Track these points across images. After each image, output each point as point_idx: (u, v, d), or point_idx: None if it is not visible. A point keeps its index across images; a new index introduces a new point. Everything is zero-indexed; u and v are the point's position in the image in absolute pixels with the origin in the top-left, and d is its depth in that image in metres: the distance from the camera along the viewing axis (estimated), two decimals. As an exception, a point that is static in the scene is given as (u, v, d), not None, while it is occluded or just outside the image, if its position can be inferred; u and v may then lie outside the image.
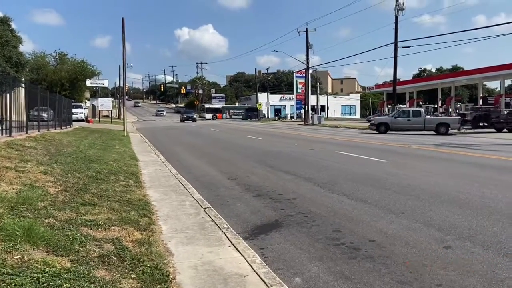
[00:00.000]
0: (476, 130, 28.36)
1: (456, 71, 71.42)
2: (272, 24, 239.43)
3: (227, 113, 75.36)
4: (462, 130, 28.48)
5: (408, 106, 55.52)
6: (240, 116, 73.98)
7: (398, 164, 11.76)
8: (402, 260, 4.30)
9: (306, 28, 49.85)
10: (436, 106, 56.20)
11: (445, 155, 14.25)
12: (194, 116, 59.46)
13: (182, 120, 56.99)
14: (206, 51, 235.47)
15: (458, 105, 51.29)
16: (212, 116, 72.97)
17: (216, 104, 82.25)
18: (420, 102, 60.14)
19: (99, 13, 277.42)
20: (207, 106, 78.53)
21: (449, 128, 26.63)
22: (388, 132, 27.93)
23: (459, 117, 28.81)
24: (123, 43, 26.88)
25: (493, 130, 28.03)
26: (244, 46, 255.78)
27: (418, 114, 27.95)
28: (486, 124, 27.74)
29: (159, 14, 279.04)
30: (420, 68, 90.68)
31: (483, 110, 31.56)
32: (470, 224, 5.50)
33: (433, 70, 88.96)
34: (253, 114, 73.51)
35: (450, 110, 41.05)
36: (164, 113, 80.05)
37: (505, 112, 28.88)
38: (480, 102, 47.52)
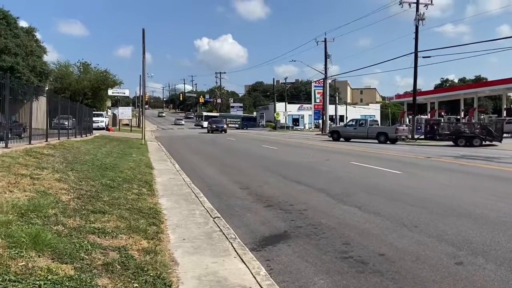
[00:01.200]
0: (419, 142, 29.49)
1: (479, 81, 70.04)
2: (291, 34, 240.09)
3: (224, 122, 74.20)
4: (407, 140, 30.46)
5: (429, 117, 54.77)
6: (237, 125, 72.35)
7: (414, 176, 11.55)
8: (411, 275, 4.19)
9: (325, 38, 49.78)
10: (459, 117, 55.20)
11: (463, 167, 13.93)
12: (225, 126, 49.82)
13: (211, 131, 47.60)
14: (225, 61, 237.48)
15: (482, 116, 50.24)
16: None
17: (215, 112, 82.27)
18: (442, 113, 59.16)
19: (122, 24, 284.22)
20: (205, 114, 76.45)
21: (388, 137, 29.23)
22: (341, 140, 31.48)
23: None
24: (143, 53, 27.38)
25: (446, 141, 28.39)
26: (262, 56, 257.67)
27: (362, 124, 31.61)
28: (432, 135, 29.64)
29: (179, 25, 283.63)
30: (442, 78, 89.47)
31: (432, 121, 34.07)
32: (484, 239, 5.33)
33: (456, 80, 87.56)
34: (249, 123, 72.63)
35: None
36: (183, 122, 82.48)
37: (450, 125, 30.53)
38: (504, 113, 46.44)
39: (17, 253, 3.42)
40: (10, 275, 3.02)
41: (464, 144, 26.15)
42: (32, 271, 3.19)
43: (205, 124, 70.89)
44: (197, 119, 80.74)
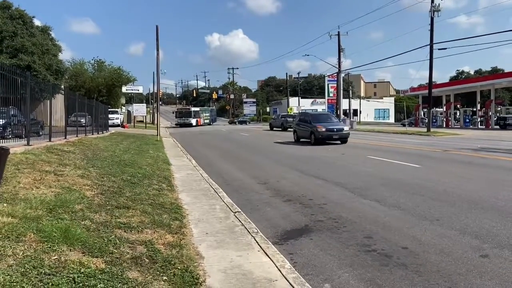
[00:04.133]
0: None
1: (496, 73, 68.68)
2: (302, 28, 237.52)
3: (202, 118, 67.49)
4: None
5: (445, 110, 53.99)
6: (208, 120, 69.53)
7: (433, 169, 11.44)
8: (436, 268, 4.18)
9: (338, 32, 49.10)
10: (475, 109, 54.27)
11: (483, 160, 13.72)
12: (346, 128, 22.56)
13: (313, 141, 21.16)
14: (236, 56, 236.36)
15: (499, 108, 49.34)
16: (196, 121, 61.74)
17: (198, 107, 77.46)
18: (458, 106, 58.22)
19: (132, 21, 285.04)
20: (193, 109, 65.49)
21: (284, 126, 41.56)
22: (274, 129, 43.57)
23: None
24: (157, 50, 27.57)
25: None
26: (274, 51, 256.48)
27: (278, 118, 46.77)
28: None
29: (190, 21, 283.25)
30: (457, 70, 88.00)
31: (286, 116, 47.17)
32: (510, 232, 5.28)
33: (472, 72, 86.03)
34: (215, 117, 77.49)
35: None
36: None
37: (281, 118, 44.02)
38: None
39: (49, 247, 3.51)
40: (44, 268, 3.11)
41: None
42: (65, 264, 3.28)
43: (194, 121, 59.38)
44: (184, 116, 60.84)
